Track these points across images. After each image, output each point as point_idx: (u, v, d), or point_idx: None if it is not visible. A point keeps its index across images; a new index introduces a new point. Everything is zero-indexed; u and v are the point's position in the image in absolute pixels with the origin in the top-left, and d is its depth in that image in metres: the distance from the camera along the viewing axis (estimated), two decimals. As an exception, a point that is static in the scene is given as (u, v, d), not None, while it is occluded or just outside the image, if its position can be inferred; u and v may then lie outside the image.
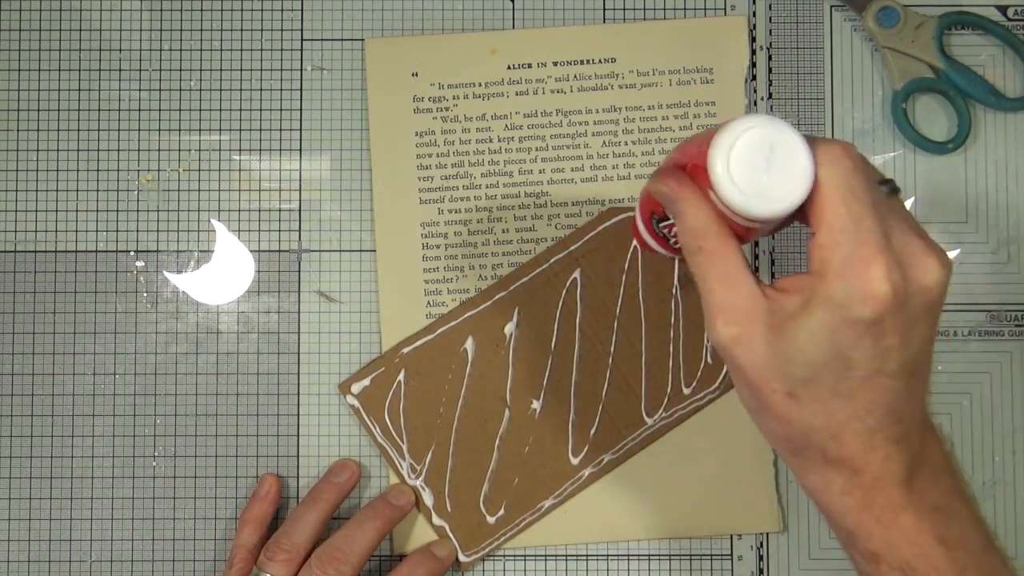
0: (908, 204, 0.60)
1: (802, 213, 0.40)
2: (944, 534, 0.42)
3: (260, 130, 0.61)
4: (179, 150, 0.61)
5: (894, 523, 0.41)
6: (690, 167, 0.41)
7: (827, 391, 0.40)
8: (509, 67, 0.60)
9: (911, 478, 0.42)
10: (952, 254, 0.60)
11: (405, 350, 0.59)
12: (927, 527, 0.41)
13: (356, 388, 0.59)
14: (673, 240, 0.45)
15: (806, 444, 0.42)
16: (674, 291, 0.59)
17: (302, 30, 0.61)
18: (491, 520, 0.59)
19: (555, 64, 0.60)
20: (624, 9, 0.61)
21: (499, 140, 0.60)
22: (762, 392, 0.41)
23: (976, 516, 0.44)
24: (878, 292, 0.38)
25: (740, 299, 0.40)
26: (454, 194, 0.60)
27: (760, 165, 0.39)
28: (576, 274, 0.59)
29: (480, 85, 0.60)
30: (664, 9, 0.61)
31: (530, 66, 0.60)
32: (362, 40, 0.61)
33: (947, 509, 0.42)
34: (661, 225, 0.45)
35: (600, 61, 0.60)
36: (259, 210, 0.60)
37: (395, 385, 0.59)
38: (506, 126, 0.60)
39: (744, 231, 0.41)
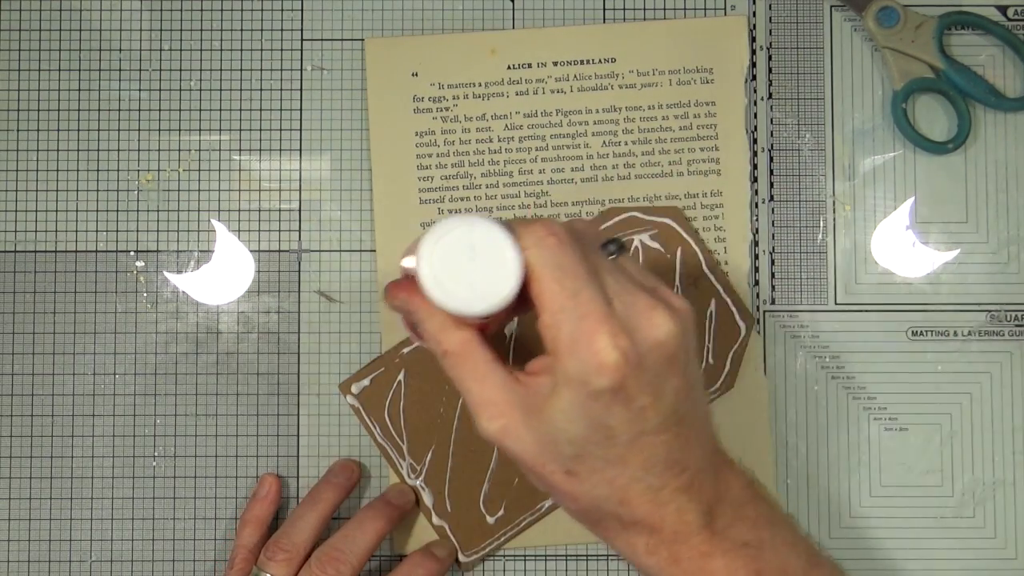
0: (907, 204, 0.60)
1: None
2: (759, 567, 0.42)
3: (260, 130, 0.61)
4: (179, 150, 0.61)
5: (705, 570, 0.41)
6: (413, 276, 0.41)
7: (600, 462, 0.40)
8: (509, 67, 0.60)
9: (711, 522, 0.42)
10: (952, 254, 0.60)
11: (405, 350, 0.59)
12: (739, 565, 0.42)
13: (356, 388, 0.59)
14: None
15: (600, 515, 0.42)
16: (676, 291, 0.59)
17: (302, 30, 0.61)
18: (491, 520, 0.59)
19: (555, 64, 0.60)
20: (624, 9, 0.61)
21: (499, 140, 0.60)
22: (543, 475, 0.41)
23: (794, 537, 0.43)
24: (608, 361, 0.38)
25: (495, 392, 0.40)
26: (454, 194, 0.60)
27: (465, 266, 0.39)
28: (576, 274, 0.59)
29: (480, 85, 0.60)
30: (664, 9, 0.61)
31: (530, 66, 0.60)
32: (362, 40, 0.61)
33: (757, 541, 0.42)
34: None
35: (600, 61, 0.60)
36: (259, 210, 0.60)
37: (395, 385, 0.59)
38: (506, 126, 0.60)
39: (482, 324, 0.41)
